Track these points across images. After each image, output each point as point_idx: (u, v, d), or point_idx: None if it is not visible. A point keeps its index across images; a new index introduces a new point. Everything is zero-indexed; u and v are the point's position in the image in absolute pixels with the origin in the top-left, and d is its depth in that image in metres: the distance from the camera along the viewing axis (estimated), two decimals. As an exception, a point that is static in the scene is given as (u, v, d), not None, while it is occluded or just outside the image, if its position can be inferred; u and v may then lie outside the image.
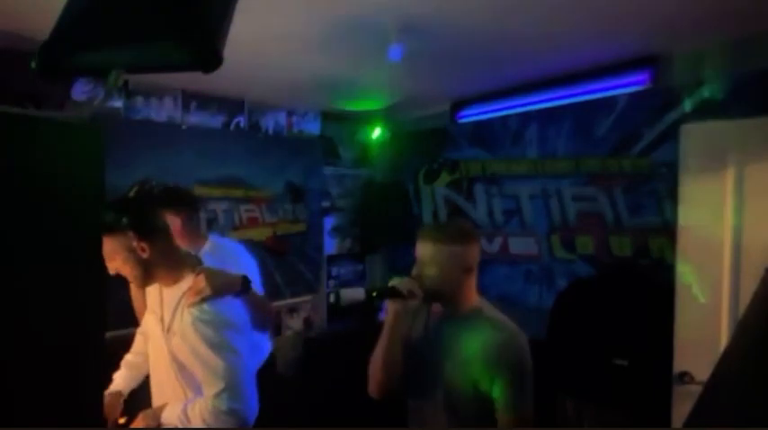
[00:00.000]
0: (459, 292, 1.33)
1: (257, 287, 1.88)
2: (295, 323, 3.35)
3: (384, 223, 3.61)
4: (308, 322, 3.41)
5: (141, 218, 1.31)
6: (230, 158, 2.94)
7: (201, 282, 1.31)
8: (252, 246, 2.77)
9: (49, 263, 0.66)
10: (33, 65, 0.65)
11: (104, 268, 1.22)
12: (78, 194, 0.69)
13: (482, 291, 1.40)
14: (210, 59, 0.68)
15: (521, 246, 2.93)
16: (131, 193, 2.44)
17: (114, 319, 1.50)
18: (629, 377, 2.03)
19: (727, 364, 0.60)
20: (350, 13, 1.80)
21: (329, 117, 3.53)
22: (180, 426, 1.28)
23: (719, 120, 1.87)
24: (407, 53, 2.02)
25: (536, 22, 1.91)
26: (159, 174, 2.58)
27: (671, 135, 2.20)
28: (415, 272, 1.33)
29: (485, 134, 3.07)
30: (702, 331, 1.83)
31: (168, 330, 1.35)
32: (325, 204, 3.56)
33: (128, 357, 1.67)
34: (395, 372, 1.34)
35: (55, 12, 0.66)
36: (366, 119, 3.58)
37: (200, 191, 2.72)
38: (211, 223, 2.82)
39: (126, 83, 2.51)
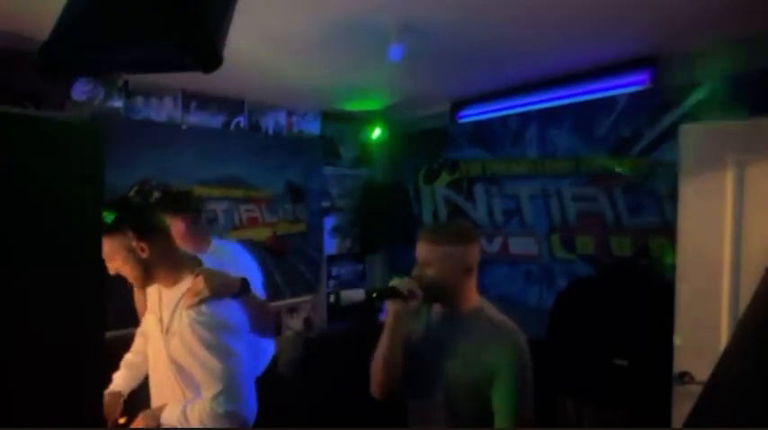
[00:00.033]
0: (459, 293, 1.33)
1: (259, 290, 1.88)
2: (295, 323, 3.35)
3: (384, 223, 3.61)
4: (308, 322, 3.41)
5: (141, 218, 1.32)
6: (230, 158, 2.94)
7: (200, 283, 1.31)
8: (252, 246, 2.77)
9: (48, 263, 0.66)
10: (34, 65, 0.65)
11: (104, 268, 1.22)
12: (78, 194, 0.69)
13: (482, 290, 1.40)
14: (210, 59, 0.68)
15: (521, 246, 2.93)
16: (131, 193, 2.45)
17: (114, 319, 1.50)
18: (629, 377, 2.03)
19: (727, 364, 0.60)
20: (350, 14, 1.80)
21: (329, 117, 3.53)
22: (179, 427, 1.28)
23: (719, 121, 1.87)
24: (407, 53, 2.02)
25: (536, 22, 1.91)
26: (159, 174, 2.58)
27: (671, 135, 2.20)
28: (415, 272, 1.33)
29: (485, 134, 3.07)
30: (702, 331, 1.83)
31: (167, 331, 1.35)
32: (325, 204, 3.56)
33: (127, 357, 1.67)
34: (396, 373, 1.34)
35: (55, 12, 0.66)
36: (366, 119, 3.58)
37: (200, 191, 2.72)
38: (211, 223, 2.82)
39: (126, 83, 2.51)
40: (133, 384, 1.63)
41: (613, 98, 2.48)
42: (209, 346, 1.26)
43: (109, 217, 1.26)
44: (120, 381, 1.60)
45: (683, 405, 1.86)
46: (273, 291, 3.00)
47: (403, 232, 3.49)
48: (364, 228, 3.72)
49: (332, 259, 3.61)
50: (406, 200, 3.60)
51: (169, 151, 2.65)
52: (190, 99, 2.80)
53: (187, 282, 1.34)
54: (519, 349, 1.26)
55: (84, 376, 0.71)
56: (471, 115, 3.19)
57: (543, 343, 2.21)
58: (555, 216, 2.76)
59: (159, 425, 1.33)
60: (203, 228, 1.94)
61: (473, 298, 1.36)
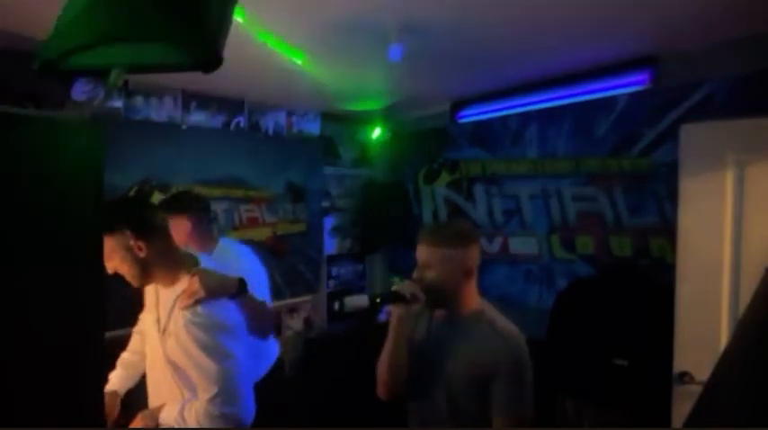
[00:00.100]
0: (459, 295, 1.33)
1: (265, 292, 1.87)
2: (295, 323, 3.35)
3: (384, 223, 3.61)
4: (308, 322, 3.41)
5: (138, 217, 1.31)
6: (230, 158, 2.94)
7: (195, 283, 1.30)
8: (252, 246, 2.77)
9: (48, 263, 0.66)
10: (33, 65, 0.65)
11: (104, 268, 1.22)
12: (78, 194, 0.69)
13: (482, 291, 1.40)
14: (210, 59, 0.68)
15: (521, 246, 2.93)
16: (131, 193, 2.45)
17: (114, 319, 1.50)
18: (629, 377, 2.03)
19: (728, 364, 0.60)
20: (350, 13, 1.80)
21: (329, 117, 3.53)
22: (177, 427, 1.28)
23: (719, 120, 1.87)
24: (407, 53, 2.02)
25: (536, 22, 1.91)
26: (159, 174, 2.58)
27: (671, 135, 2.20)
28: (415, 275, 1.33)
29: (485, 134, 3.07)
30: (702, 331, 1.83)
31: (164, 331, 1.35)
32: (325, 204, 3.56)
33: (124, 355, 1.66)
34: (401, 375, 1.34)
35: (55, 12, 0.66)
36: (366, 119, 3.58)
37: (199, 191, 2.72)
38: (211, 223, 2.81)
39: (126, 83, 2.51)
40: (130, 383, 1.63)
41: (613, 98, 2.48)
42: (204, 348, 1.26)
43: (106, 216, 1.26)
44: (117, 381, 1.60)
45: (683, 405, 1.86)
46: (273, 291, 2.99)
47: (403, 232, 3.49)
48: (364, 228, 3.72)
49: (332, 259, 3.61)
50: (406, 200, 3.60)
51: (169, 151, 2.65)
52: (190, 99, 2.80)
53: (184, 283, 1.34)
54: (519, 351, 1.26)
55: (85, 376, 0.71)
56: (471, 115, 3.18)
57: (543, 343, 2.21)
58: (555, 216, 2.76)
59: (158, 425, 1.32)
60: (210, 227, 1.93)
61: (474, 300, 1.36)
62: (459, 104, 3.23)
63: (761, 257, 1.70)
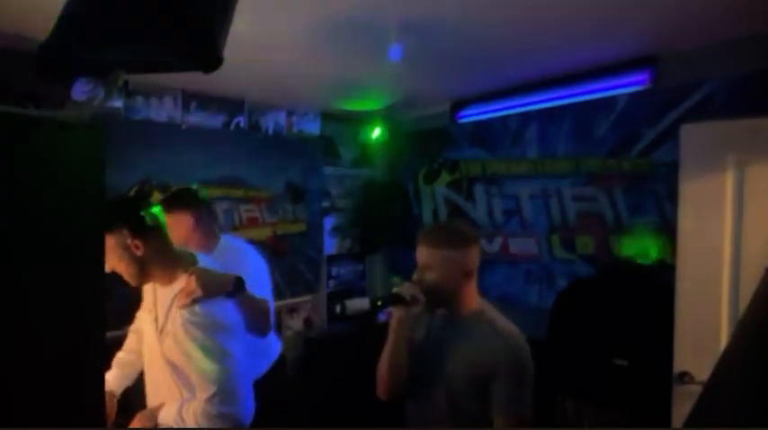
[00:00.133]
0: (460, 296, 1.34)
1: (265, 288, 1.86)
2: (295, 323, 3.35)
3: (384, 223, 3.62)
4: (308, 322, 3.41)
5: (135, 216, 1.31)
6: (230, 158, 2.94)
7: (192, 283, 1.30)
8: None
9: (48, 263, 0.66)
10: (33, 65, 0.65)
11: (104, 268, 1.22)
12: (79, 194, 0.69)
13: (482, 291, 1.40)
14: (210, 59, 0.68)
15: (521, 246, 2.93)
16: (131, 193, 2.45)
17: (112, 319, 1.49)
18: (629, 377, 2.03)
19: (728, 364, 0.60)
20: (350, 13, 1.80)
21: (329, 117, 3.53)
22: (175, 427, 1.28)
23: (719, 121, 1.87)
24: (407, 53, 2.02)
25: (536, 22, 1.91)
26: (159, 174, 2.58)
27: (671, 135, 2.20)
28: (415, 276, 1.33)
29: (485, 134, 3.07)
30: (702, 331, 1.83)
31: (161, 331, 1.34)
32: (325, 204, 3.56)
33: (119, 355, 1.65)
34: (402, 375, 1.34)
35: (55, 12, 0.66)
36: (366, 119, 3.58)
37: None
38: (213, 219, 2.81)
39: (126, 83, 2.51)
40: (127, 382, 1.62)
41: (613, 98, 2.48)
42: (202, 347, 1.25)
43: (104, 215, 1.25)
44: (113, 381, 1.59)
45: (683, 405, 1.86)
46: (274, 290, 2.99)
47: (403, 232, 3.49)
48: (364, 228, 3.72)
49: (332, 259, 3.61)
50: (406, 200, 3.60)
51: (169, 151, 2.65)
52: (190, 99, 2.80)
53: (182, 281, 1.33)
54: (519, 351, 1.26)
55: (85, 376, 0.71)
56: (471, 115, 3.18)
57: (543, 343, 2.21)
58: (555, 216, 2.76)
59: (156, 425, 1.32)
60: (212, 223, 1.92)
61: (474, 300, 1.36)
62: (459, 104, 3.23)
63: (761, 257, 1.70)
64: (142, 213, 1.33)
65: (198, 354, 1.25)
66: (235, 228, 2.96)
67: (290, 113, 3.32)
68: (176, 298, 1.31)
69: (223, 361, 1.26)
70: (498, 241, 3.03)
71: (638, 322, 2.04)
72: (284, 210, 3.25)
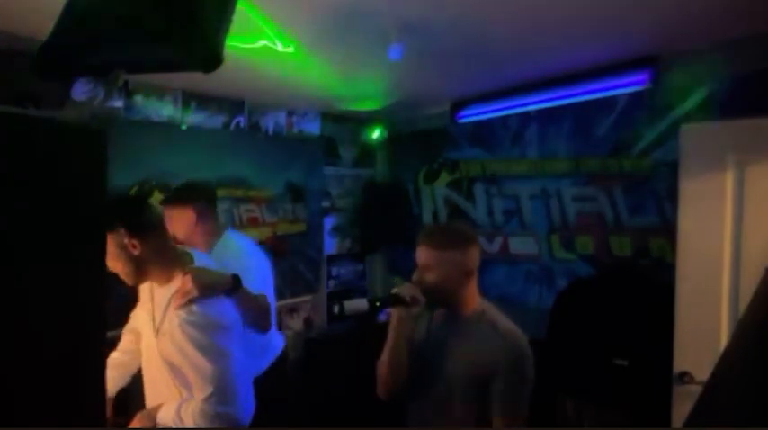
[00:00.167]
0: (460, 296, 1.34)
1: (266, 285, 1.86)
2: (295, 323, 3.35)
3: (384, 223, 3.62)
4: (308, 322, 3.41)
5: (132, 215, 1.31)
6: (230, 158, 2.94)
7: (188, 282, 1.29)
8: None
9: (49, 263, 0.66)
10: (33, 65, 0.65)
11: (105, 268, 1.21)
12: (79, 195, 0.69)
13: (482, 291, 1.40)
14: (210, 59, 0.68)
15: (521, 246, 2.93)
16: (132, 193, 2.45)
17: (111, 319, 1.49)
18: (629, 377, 2.03)
19: (728, 364, 0.60)
20: (350, 13, 1.80)
21: (329, 117, 3.53)
22: (174, 427, 1.28)
23: (719, 121, 1.87)
24: (407, 53, 2.02)
25: (536, 22, 1.91)
26: (159, 174, 2.58)
27: (671, 135, 2.20)
28: (415, 277, 1.33)
29: (485, 134, 3.07)
30: (702, 331, 1.83)
31: (158, 331, 1.34)
32: (325, 204, 3.56)
33: (113, 355, 1.64)
34: (401, 375, 1.34)
35: (55, 12, 0.66)
36: (366, 119, 3.58)
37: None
38: (216, 215, 2.80)
39: (126, 83, 2.51)
40: (121, 384, 1.62)
41: (613, 98, 2.48)
42: (200, 347, 1.25)
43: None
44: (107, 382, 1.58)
45: (683, 405, 1.86)
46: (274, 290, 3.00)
47: (403, 232, 3.49)
48: (364, 228, 3.72)
49: (332, 259, 3.61)
50: (406, 200, 3.60)
51: (169, 151, 2.65)
52: (190, 99, 2.79)
53: (179, 281, 1.33)
54: (520, 351, 1.26)
55: (85, 376, 0.71)
56: (471, 115, 3.18)
57: (543, 343, 2.21)
58: (555, 216, 2.76)
59: (155, 424, 1.32)
60: (215, 219, 1.92)
61: (474, 300, 1.36)
62: (459, 104, 3.23)
63: (761, 257, 1.70)
64: (139, 212, 1.33)
65: (195, 354, 1.25)
66: (235, 228, 2.96)
67: (290, 113, 3.32)
68: (173, 297, 1.31)
69: (220, 360, 1.26)
70: (498, 241, 3.03)
71: (637, 322, 2.04)
72: (284, 210, 3.25)
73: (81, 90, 2.32)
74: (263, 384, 1.50)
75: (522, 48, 2.22)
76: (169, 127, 2.69)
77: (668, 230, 2.20)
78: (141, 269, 1.33)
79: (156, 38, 0.65)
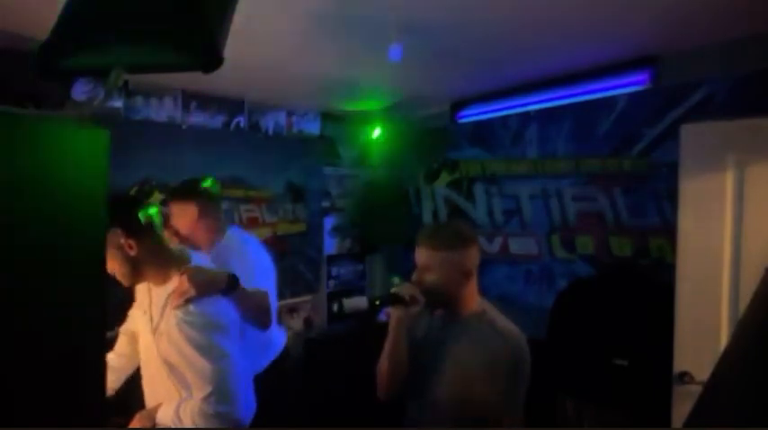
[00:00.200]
0: (459, 296, 1.33)
1: (267, 282, 1.85)
2: (295, 323, 3.35)
3: (384, 223, 3.61)
4: (308, 322, 3.41)
5: (129, 215, 1.30)
6: (230, 158, 2.94)
7: (185, 282, 1.29)
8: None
9: (49, 263, 0.66)
10: (33, 65, 0.65)
11: (105, 268, 1.21)
12: (80, 195, 0.69)
13: (482, 291, 1.40)
14: (210, 60, 0.68)
15: (521, 246, 2.93)
16: (132, 193, 2.46)
17: (109, 320, 1.49)
18: (629, 377, 2.03)
19: (728, 364, 0.60)
20: (350, 13, 1.80)
21: (329, 117, 3.53)
22: (173, 427, 1.27)
23: (719, 121, 1.87)
24: (407, 53, 2.02)
25: (536, 22, 1.91)
26: (159, 174, 2.58)
27: (671, 135, 2.20)
28: (415, 277, 1.33)
29: (485, 134, 3.07)
30: (702, 331, 1.83)
31: (156, 331, 1.34)
32: (325, 204, 3.56)
33: (109, 357, 1.63)
34: (401, 375, 1.34)
35: (55, 12, 0.66)
36: (366, 119, 3.58)
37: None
38: (219, 211, 2.79)
39: (126, 83, 2.51)
40: (115, 385, 1.61)
41: (613, 98, 2.48)
42: (197, 347, 1.25)
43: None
44: None
45: (683, 405, 1.86)
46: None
47: (403, 232, 3.49)
48: (364, 229, 3.72)
49: (332, 259, 3.61)
50: (406, 200, 3.60)
51: (169, 151, 2.65)
52: (190, 99, 2.80)
53: (175, 281, 1.32)
54: (519, 352, 1.26)
55: (85, 376, 0.71)
56: (471, 115, 3.18)
57: (543, 343, 2.21)
58: (555, 216, 2.76)
59: (155, 424, 1.32)
60: (218, 215, 1.91)
61: (474, 300, 1.36)
62: (459, 104, 3.23)
63: (761, 257, 1.70)
64: (135, 213, 1.32)
65: (193, 354, 1.24)
66: (235, 228, 2.96)
67: (290, 113, 3.32)
68: (170, 297, 1.30)
69: (218, 360, 1.25)
70: (498, 241, 3.03)
71: (637, 322, 2.04)
72: (284, 210, 3.25)
73: (81, 90, 2.33)
74: (264, 382, 1.49)
75: (522, 48, 2.22)
76: (169, 127, 2.69)
77: (668, 230, 2.20)
78: (137, 269, 1.33)
79: (156, 38, 0.65)
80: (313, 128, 3.47)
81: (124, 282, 1.35)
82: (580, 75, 2.57)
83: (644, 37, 2.12)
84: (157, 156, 2.59)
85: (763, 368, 0.53)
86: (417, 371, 1.35)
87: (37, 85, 2.01)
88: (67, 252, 0.68)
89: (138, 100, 2.58)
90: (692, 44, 2.15)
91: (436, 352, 1.34)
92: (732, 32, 2.01)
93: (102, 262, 0.75)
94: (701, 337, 1.82)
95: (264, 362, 1.89)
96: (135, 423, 1.35)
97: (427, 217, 3.48)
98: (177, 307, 1.28)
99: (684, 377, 1.85)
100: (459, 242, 1.31)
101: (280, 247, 3.18)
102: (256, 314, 1.65)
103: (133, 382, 1.62)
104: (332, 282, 3.60)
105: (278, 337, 2.05)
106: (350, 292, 3.64)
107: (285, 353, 2.06)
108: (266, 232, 3.13)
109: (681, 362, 1.88)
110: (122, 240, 1.27)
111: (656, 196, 2.33)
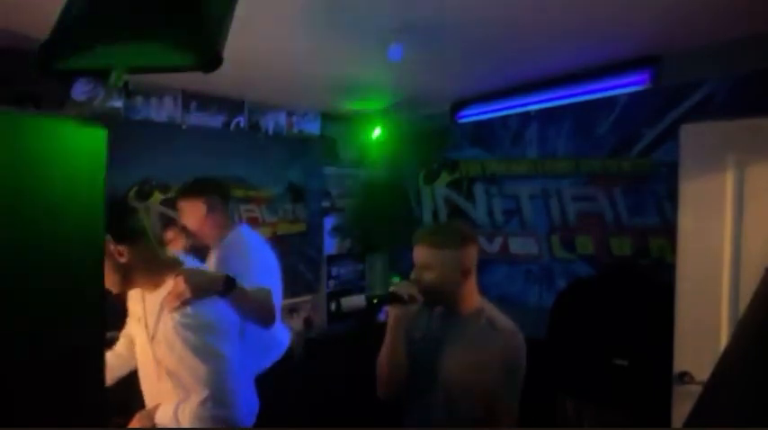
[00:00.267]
0: (458, 295, 1.34)
1: (272, 279, 1.85)
2: (295, 323, 3.35)
3: (384, 223, 3.61)
4: (308, 322, 3.41)
5: (118, 221, 1.27)
6: (230, 158, 2.94)
7: (181, 284, 1.26)
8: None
9: (49, 263, 0.66)
10: (33, 64, 0.65)
11: (105, 269, 1.21)
12: (79, 195, 0.69)
13: (482, 290, 1.40)
14: (211, 60, 0.68)
15: (521, 245, 2.93)
16: (131, 193, 2.46)
17: (110, 321, 1.48)
18: (629, 377, 2.03)
19: (728, 364, 0.60)
20: (350, 13, 1.80)
21: (329, 117, 3.53)
22: (172, 427, 1.27)
23: (719, 121, 1.87)
24: (408, 53, 2.02)
25: (536, 22, 1.91)
26: (159, 174, 2.58)
27: (671, 135, 2.20)
28: (413, 276, 1.33)
29: (485, 134, 3.07)
30: (702, 331, 1.83)
31: (153, 338, 1.32)
32: (325, 204, 3.56)
33: (107, 354, 1.60)
34: (401, 374, 1.34)
35: (55, 12, 0.66)
36: (366, 119, 3.57)
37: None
38: (228, 209, 2.79)
39: (126, 83, 2.51)
40: (108, 383, 1.58)
41: (613, 98, 2.48)
42: (194, 349, 1.24)
43: None
44: None
45: (683, 405, 1.86)
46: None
47: (403, 232, 3.48)
48: (364, 228, 3.71)
49: (332, 259, 3.61)
50: (406, 200, 3.60)
51: (169, 151, 2.65)
52: (190, 99, 2.79)
53: (169, 285, 1.30)
54: (516, 351, 1.27)
55: (85, 376, 0.71)
56: (471, 115, 3.18)
57: (543, 343, 2.21)
58: (555, 216, 2.76)
59: (154, 425, 1.32)
60: (225, 213, 1.94)
61: (473, 299, 1.36)
62: (459, 104, 3.23)
63: (761, 257, 1.70)
64: (125, 219, 1.30)
65: (190, 356, 1.23)
66: (235, 228, 2.96)
67: (290, 113, 3.32)
68: (165, 301, 1.28)
69: (215, 363, 1.24)
70: (498, 241, 3.03)
71: (637, 322, 2.03)
72: (284, 210, 3.25)
73: (81, 90, 2.33)
74: (266, 382, 1.49)
75: (522, 48, 2.22)
76: (169, 127, 2.69)
77: (668, 230, 2.20)
78: (128, 277, 1.29)
79: (156, 38, 0.65)
80: (313, 128, 3.47)
81: (114, 289, 1.31)
82: (580, 75, 2.57)
83: (644, 37, 2.12)
84: (157, 157, 2.59)
85: (763, 368, 0.53)
86: (417, 370, 1.35)
87: (37, 85, 2.01)
88: (67, 251, 0.68)
89: (138, 100, 2.58)
90: (692, 44, 2.15)
91: (435, 350, 1.34)
92: (732, 32, 2.01)
93: (102, 261, 0.75)
94: (701, 337, 1.82)
95: (267, 362, 1.89)
96: (135, 423, 1.34)
97: (427, 217, 3.48)
98: (174, 309, 1.26)
99: (684, 377, 1.85)
100: (458, 241, 1.31)
101: (280, 247, 3.18)
102: (258, 313, 1.64)
103: (133, 382, 1.62)
104: (332, 282, 3.60)
105: (283, 337, 2.05)
106: (350, 292, 3.63)
107: (289, 352, 2.06)
108: (266, 232, 3.13)
109: (681, 362, 1.88)
110: (112, 247, 1.24)
111: (656, 196, 2.33)
